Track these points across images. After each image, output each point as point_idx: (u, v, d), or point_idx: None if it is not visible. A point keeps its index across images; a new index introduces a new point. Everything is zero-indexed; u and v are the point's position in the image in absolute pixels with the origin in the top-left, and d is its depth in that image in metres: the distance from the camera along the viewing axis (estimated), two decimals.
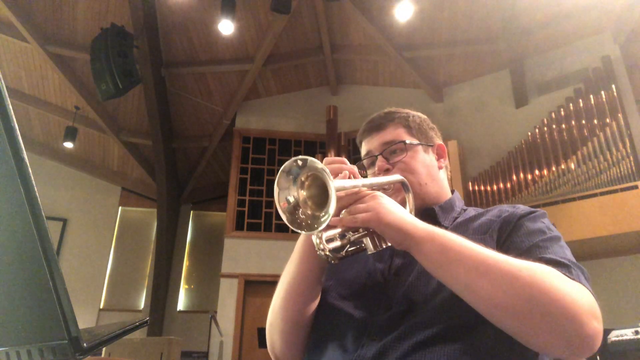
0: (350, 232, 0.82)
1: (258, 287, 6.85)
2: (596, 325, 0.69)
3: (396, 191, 0.98)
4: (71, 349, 0.51)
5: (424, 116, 1.15)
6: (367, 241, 0.80)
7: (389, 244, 0.80)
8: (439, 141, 1.14)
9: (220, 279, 6.90)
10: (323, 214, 0.72)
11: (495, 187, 6.23)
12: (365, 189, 0.83)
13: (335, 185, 0.70)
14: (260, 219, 7.32)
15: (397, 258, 0.94)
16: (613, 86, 5.64)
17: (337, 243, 0.82)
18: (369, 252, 0.81)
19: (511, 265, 0.72)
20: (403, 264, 0.91)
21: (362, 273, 0.96)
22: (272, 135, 7.86)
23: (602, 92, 5.69)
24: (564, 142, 5.82)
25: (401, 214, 0.79)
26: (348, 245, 0.83)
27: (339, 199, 0.76)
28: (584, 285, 0.74)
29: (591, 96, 5.78)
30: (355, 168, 0.86)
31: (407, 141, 1.06)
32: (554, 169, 5.73)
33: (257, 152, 7.75)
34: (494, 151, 6.53)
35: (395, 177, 0.97)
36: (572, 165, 5.55)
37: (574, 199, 5.41)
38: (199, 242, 9.10)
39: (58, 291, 0.50)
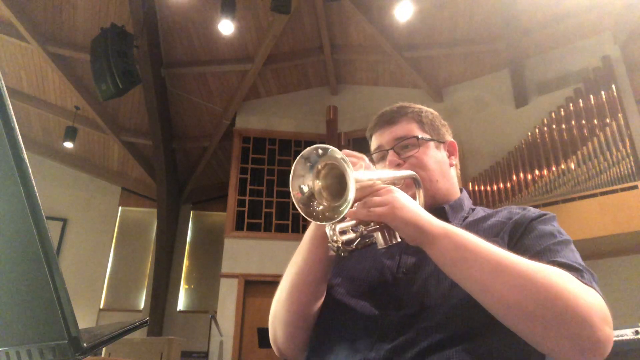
0: (362, 226, 0.80)
1: (258, 287, 6.85)
2: (608, 330, 0.68)
3: (406, 187, 0.95)
4: (71, 349, 0.51)
5: (436, 112, 1.14)
6: (378, 235, 0.79)
7: (399, 240, 0.79)
8: (450, 138, 1.13)
9: (220, 279, 6.90)
10: (340, 204, 0.71)
11: (495, 187, 6.23)
12: (379, 182, 0.82)
13: (354, 176, 0.69)
14: (260, 219, 7.31)
15: (406, 255, 0.92)
16: (613, 86, 5.64)
17: (350, 235, 0.80)
18: (379, 247, 0.80)
19: (526, 268, 0.71)
20: (412, 263, 0.90)
21: (371, 270, 0.95)
22: (272, 135, 7.85)
23: (602, 92, 5.68)
24: (564, 142, 5.82)
25: (417, 210, 0.77)
26: (359, 239, 0.82)
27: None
28: (596, 290, 0.74)
29: (591, 96, 5.78)
30: (371, 165, 0.85)
31: (420, 136, 1.04)
32: (554, 169, 5.73)
33: (257, 152, 7.74)
34: (494, 151, 6.53)
35: (408, 172, 0.96)
36: (572, 165, 5.55)
37: (574, 199, 5.41)
38: (199, 242, 9.10)
39: (58, 291, 0.50)
